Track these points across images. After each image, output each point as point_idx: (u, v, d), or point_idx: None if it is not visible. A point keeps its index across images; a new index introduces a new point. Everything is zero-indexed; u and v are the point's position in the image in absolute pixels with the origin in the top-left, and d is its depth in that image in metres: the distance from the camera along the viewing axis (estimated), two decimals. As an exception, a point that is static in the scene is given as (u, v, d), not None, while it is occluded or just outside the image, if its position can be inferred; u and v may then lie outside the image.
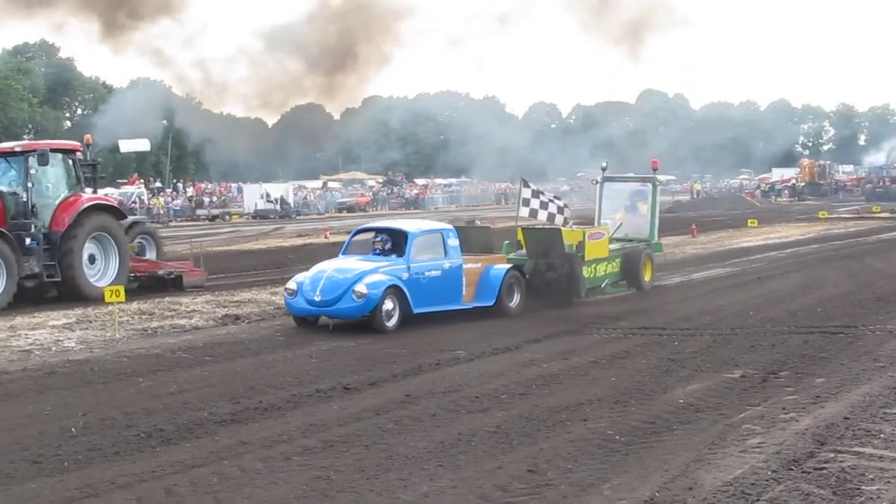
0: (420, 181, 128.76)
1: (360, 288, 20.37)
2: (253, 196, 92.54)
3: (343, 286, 20.60)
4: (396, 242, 21.96)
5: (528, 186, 26.93)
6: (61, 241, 26.80)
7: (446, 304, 22.05)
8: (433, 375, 16.07)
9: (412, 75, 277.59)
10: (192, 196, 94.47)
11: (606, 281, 26.64)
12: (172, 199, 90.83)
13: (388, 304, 20.64)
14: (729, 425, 12.35)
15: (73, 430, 12.67)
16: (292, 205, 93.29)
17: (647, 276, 27.71)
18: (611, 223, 28.89)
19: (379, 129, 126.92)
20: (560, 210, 26.90)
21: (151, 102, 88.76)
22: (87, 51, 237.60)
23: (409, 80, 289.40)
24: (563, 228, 25.88)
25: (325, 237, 52.33)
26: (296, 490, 10.11)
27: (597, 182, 30.35)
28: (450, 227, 23.35)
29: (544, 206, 26.78)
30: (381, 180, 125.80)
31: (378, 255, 21.88)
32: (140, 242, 35.46)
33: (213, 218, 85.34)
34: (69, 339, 20.21)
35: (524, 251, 25.54)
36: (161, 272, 29.43)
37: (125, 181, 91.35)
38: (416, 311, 21.15)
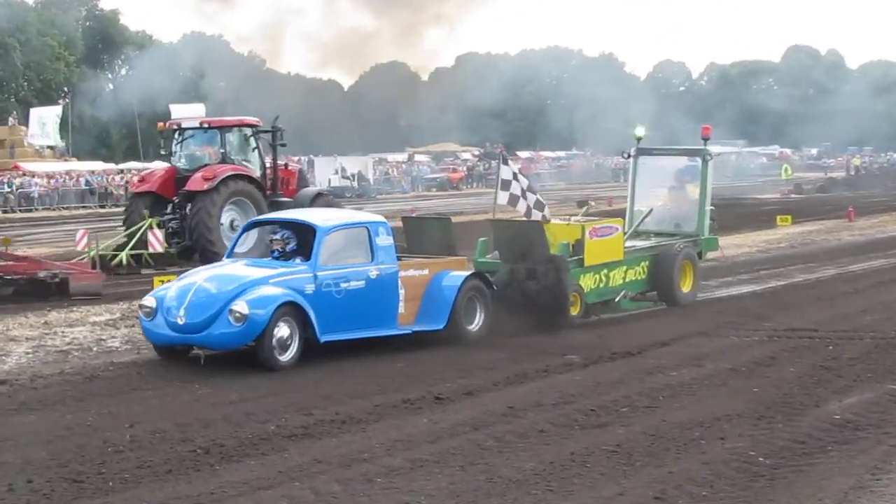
0: (523, 154, 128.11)
1: (240, 307, 17.01)
2: (326, 171, 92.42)
3: (217, 304, 17.29)
4: (303, 241, 18.57)
5: (508, 164, 23.69)
6: None
7: (372, 329, 18.72)
8: (540, 384, 16.10)
9: (515, 29, 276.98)
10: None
11: (623, 293, 23.24)
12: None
13: (282, 330, 17.30)
14: (894, 446, 12.24)
15: (118, 444, 12.84)
16: (371, 181, 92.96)
17: (685, 286, 23.97)
18: (645, 210, 25.71)
19: (475, 91, 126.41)
20: (539, 205, 23.10)
21: (202, 59, 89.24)
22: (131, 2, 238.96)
23: (512, 34, 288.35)
24: (547, 222, 22.71)
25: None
26: (379, 517, 10.18)
27: (629, 156, 26.70)
28: (381, 219, 19.86)
29: (525, 193, 23.00)
30: (477, 153, 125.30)
31: (277, 258, 18.63)
32: None
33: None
34: (113, 337, 20.47)
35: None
36: (42, 274, 26.42)
37: None
38: (323, 339, 17.82)
